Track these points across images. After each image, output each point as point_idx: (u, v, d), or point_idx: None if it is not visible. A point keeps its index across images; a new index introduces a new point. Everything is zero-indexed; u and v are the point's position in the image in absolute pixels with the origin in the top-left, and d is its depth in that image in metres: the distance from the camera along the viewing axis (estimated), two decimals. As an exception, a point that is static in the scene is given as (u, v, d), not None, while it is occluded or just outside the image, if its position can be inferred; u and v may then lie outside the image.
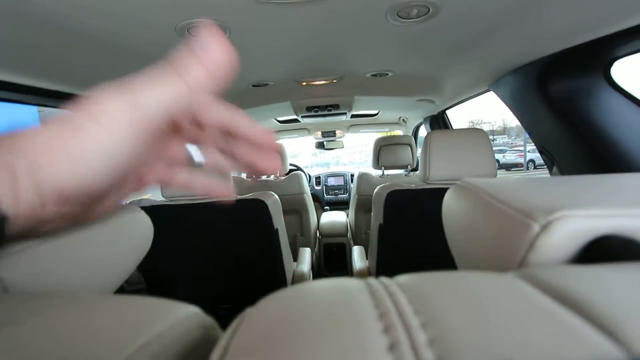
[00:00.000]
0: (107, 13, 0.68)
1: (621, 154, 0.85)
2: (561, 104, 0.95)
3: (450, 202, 0.29)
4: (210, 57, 0.21)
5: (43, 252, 0.23)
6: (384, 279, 0.13)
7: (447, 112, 2.02)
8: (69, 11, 0.65)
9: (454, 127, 2.12)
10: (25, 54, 0.78)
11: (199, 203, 1.13)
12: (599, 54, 0.87)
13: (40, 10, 0.63)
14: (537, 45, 0.89)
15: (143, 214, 0.37)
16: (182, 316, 0.15)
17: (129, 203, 1.24)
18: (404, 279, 0.13)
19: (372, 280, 0.13)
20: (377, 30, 0.89)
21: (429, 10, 0.78)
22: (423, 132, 2.49)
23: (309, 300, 0.12)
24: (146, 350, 0.12)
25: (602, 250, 0.17)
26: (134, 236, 0.33)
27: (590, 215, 0.16)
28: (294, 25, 0.84)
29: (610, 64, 0.88)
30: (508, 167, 13.96)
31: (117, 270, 0.30)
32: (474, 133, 1.06)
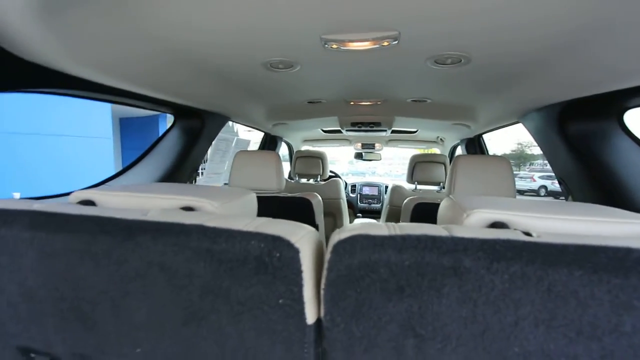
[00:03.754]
0: (215, 49, 0.95)
1: (623, 189, 0.97)
2: (577, 143, 1.09)
3: (442, 204, 0.50)
4: None
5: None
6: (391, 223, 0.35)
7: (493, 132, 2.10)
8: (190, 46, 0.93)
9: (500, 146, 2.21)
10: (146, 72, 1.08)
11: (259, 197, 1.39)
12: (613, 103, 1.00)
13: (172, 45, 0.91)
14: (556, 92, 1.04)
15: (253, 194, 0.63)
16: (311, 228, 0.38)
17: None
18: (401, 223, 0.35)
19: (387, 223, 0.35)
20: (417, 70, 1.10)
21: (461, 60, 0.97)
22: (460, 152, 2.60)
23: (359, 224, 0.34)
24: (306, 237, 0.35)
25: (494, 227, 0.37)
26: (252, 206, 0.58)
27: (487, 212, 0.37)
28: (349, 62, 1.07)
29: (623, 112, 1.01)
30: (556, 194, 13.12)
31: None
32: (497, 160, 1.22)
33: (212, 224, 0.33)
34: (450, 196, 0.49)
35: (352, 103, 1.71)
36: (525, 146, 19.28)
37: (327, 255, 0.31)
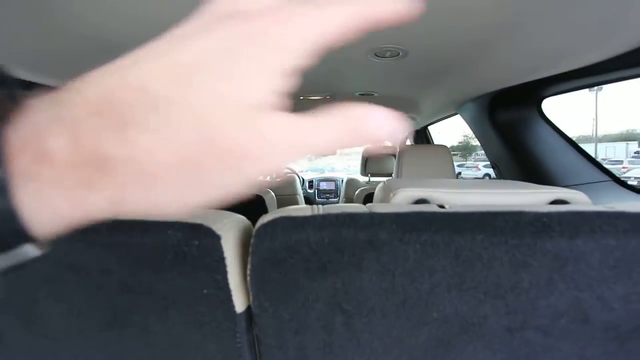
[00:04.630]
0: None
1: (544, 170, 1.08)
2: (505, 130, 1.19)
3: (377, 189, 0.52)
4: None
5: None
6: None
7: (444, 124, 2.21)
8: (122, 38, 0.87)
9: (448, 138, 2.35)
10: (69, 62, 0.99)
11: None
12: (533, 93, 1.11)
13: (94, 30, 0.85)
14: (486, 83, 1.13)
15: None
16: (240, 217, 0.37)
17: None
18: (327, 206, 0.35)
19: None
20: (360, 63, 1.13)
21: (399, 53, 1.01)
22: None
23: (286, 208, 0.34)
24: (230, 224, 0.34)
25: (419, 204, 0.39)
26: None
27: (412, 191, 0.39)
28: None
29: (541, 101, 1.12)
30: (498, 182, 14.25)
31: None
32: (437, 148, 1.29)
33: (126, 217, 0.31)
34: (384, 180, 0.51)
35: (301, 98, 1.71)
36: (471, 138, 20.75)
37: (252, 240, 0.30)
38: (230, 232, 0.31)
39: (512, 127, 1.17)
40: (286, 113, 0.15)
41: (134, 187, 0.13)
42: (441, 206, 0.33)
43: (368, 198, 1.32)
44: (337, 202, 3.20)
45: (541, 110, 1.13)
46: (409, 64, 1.10)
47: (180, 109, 0.13)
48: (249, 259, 0.30)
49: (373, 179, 2.44)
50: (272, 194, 1.50)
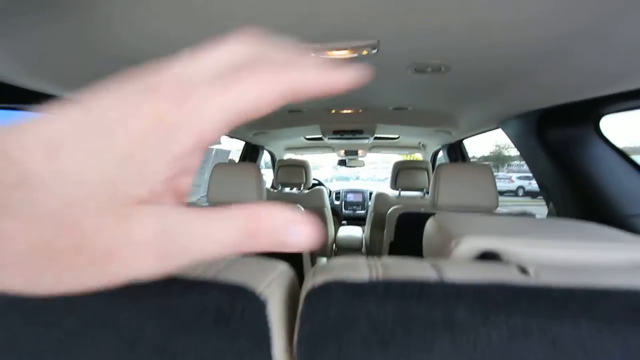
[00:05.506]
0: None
1: (603, 196, 0.98)
2: (556, 149, 1.09)
3: (428, 225, 0.47)
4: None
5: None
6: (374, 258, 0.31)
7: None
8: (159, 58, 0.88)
9: (478, 149, 2.23)
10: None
11: None
12: (590, 110, 1.01)
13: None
14: (534, 99, 1.04)
15: None
16: (284, 267, 0.33)
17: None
18: (384, 259, 0.31)
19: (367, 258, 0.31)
20: (398, 78, 1.08)
21: (441, 68, 0.96)
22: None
23: (338, 262, 0.30)
24: (275, 282, 0.30)
25: (485, 257, 0.34)
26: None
27: (476, 240, 0.34)
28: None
29: (600, 119, 1.02)
30: (533, 194, 13.50)
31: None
32: (479, 168, 1.21)
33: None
34: (436, 216, 0.46)
35: (333, 111, 1.68)
36: (503, 148, 19.84)
37: (300, 305, 0.26)
38: (276, 292, 0.28)
39: (565, 146, 1.07)
40: (175, 206, 0.13)
41: None
42: (522, 269, 0.28)
43: (402, 219, 1.26)
44: (365, 214, 3.12)
45: (599, 129, 1.03)
46: (450, 79, 1.04)
47: (43, 188, 0.11)
48: (297, 327, 0.26)
49: (404, 193, 2.36)
50: (302, 208, 1.47)
